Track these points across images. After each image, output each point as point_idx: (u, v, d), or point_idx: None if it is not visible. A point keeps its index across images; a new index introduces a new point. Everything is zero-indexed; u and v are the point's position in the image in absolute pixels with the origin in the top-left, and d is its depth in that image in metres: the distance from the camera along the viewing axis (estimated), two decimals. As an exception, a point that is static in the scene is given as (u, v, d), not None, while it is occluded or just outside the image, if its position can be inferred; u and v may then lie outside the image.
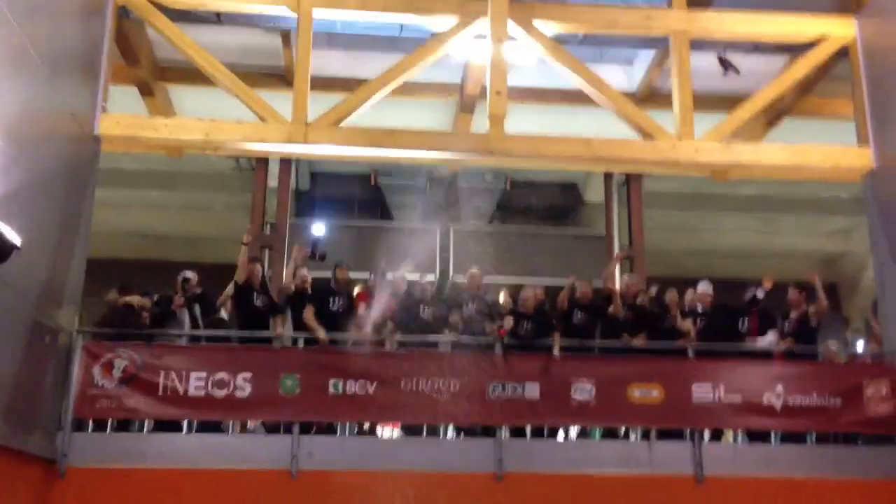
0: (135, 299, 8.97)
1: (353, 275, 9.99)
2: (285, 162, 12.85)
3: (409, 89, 11.05)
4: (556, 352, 8.88)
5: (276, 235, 12.52)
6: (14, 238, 6.57)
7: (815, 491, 8.49)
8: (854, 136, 10.37)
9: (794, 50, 10.89)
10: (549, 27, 10.29)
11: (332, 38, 11.78)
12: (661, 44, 10.83)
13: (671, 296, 9.72)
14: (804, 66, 10.48)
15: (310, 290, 9.48)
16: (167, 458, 8.20)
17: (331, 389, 8.59)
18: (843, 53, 10.54)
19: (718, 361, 9.22)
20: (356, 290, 9.87)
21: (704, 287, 9.97)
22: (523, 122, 10.60)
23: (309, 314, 9.09)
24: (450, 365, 8.84)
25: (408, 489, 8.14)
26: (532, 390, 8.77)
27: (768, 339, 9.58)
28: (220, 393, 8.45)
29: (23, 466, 7.47)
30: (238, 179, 14.11)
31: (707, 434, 8.99)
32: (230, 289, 9.41)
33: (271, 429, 8.88)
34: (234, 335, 9.33)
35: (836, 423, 8.99)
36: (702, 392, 8.90)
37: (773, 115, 11.55)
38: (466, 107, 11.90)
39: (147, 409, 8.39)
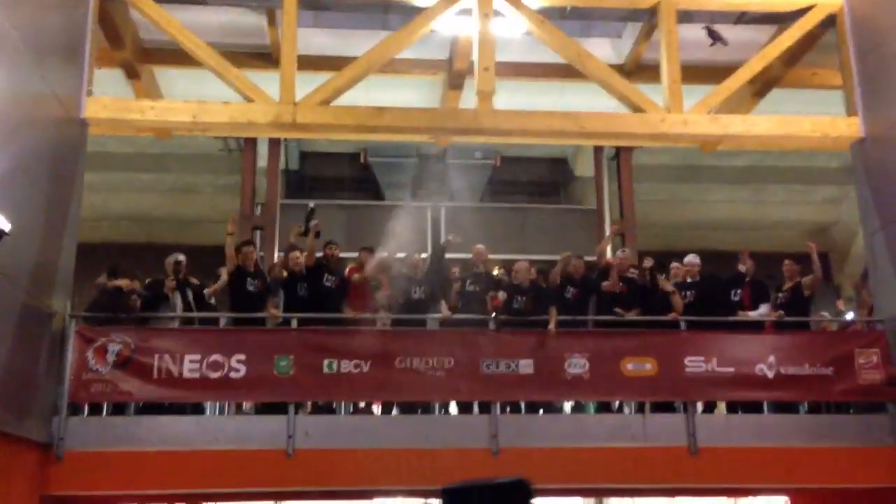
0: (124, 282, 8.93)
1: (343, 254, 10.00)
2: (274, 142, 12.81)
3: (396, 67, 11.01)
4: (552, 327, 8.90)
5: (266, 216, 12.49)
6: (3, 223, 6.55)
7: (808, 460, 8.57)
8: (842, 105, 10.37)
9: (781, 19, 10.86)
10: (536, 0, 10.24)
11: (318, 17, 11.70)
12: (648, 15, 10.77)
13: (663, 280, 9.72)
14: (792, 35, 10.46)
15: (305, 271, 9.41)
16: (163, 440, 8.22)
17: (325, 369, 8.61)
18: (831, 22, 10.51)
19: (711, 334, 9.25)
20: (348, 268, 9.88)
21: (691, 258, 9.99)
22: (512, 98, 10.56)
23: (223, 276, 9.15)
24: (444, 342, 8.87)
25: (404, 466, 8.20)
26: (526, 366, 8.80)
27: (760, 312, 9.62)
28: (215, 375, 8.46)
29: (20, 451, 7.49)
30: (226, 160, 14.06)
31: (700, 406, 9.05)
32: (224, 279, 9.31)
33: (260, 411, 8.89)
34: (227, 317, 9.31)
35: (828, 392, 9.06)
36: (695, 364, 8.95)
37: (762, 85, 11.53)
38: (454, 83, 11.85)
39: (142, 392, 8.39)
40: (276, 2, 10.32)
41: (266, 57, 11.39)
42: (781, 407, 9.17)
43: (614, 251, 11.18)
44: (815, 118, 10.21)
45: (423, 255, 10.30)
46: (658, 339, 9.17)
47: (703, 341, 9.12)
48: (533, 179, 15.49)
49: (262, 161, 12.88)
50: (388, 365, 8.67)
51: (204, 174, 14.80)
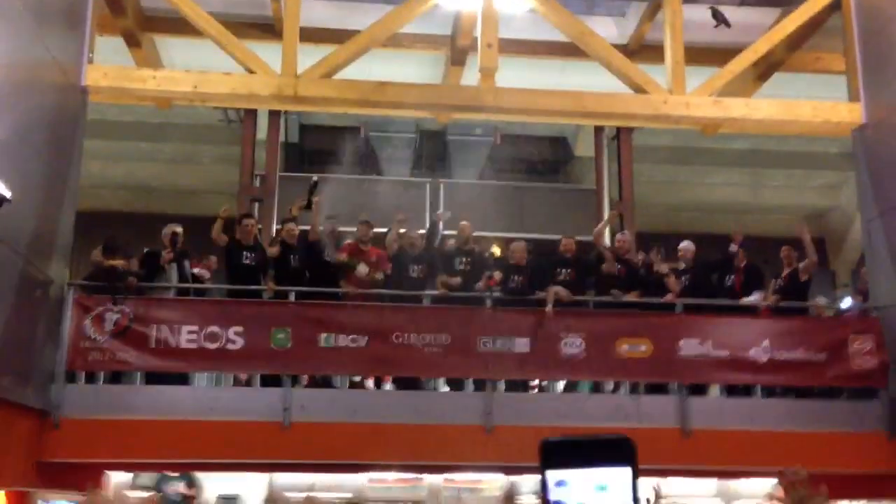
0: (120, 262, 8.81)
1: (342, 229, 10.00)
2: (274, 114, 12.75)
3: (399, 41, 10.95)
4: (549, 307, 8.92)
5: (265, 188, 12.47)
6: (4, 190, 6.52)
7: (800, 444, 8.59)
8: (845, 90, 10.35)
9: (785, 3, 10.81)
10: (541, -23, 10.18)
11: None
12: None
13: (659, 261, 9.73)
14: (796, 19, 10.41)
15: (296, 243, 9.40)
16: (160, 409, 8.25)
17: (322, 343, 8.64)
18: (836, 7, 10.46)
19: (706, 317, 9.30)
20: (345, 242, 9.88)
21: (686, 244, 10.00)
22: (514, 75, 10.52)
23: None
24: (440, 319, 8.89)
25: (398, 441, 8.25)
26: (522, 344, 8.84)
27: (754, 297, 9.65)
28: (212, 346, 8.48)
29: (17, 418, 7.51)
30: (226, 131, 14.01)
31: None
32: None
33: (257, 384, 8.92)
34: (222, 289, 9.32)
35: (821, 377, 9.11)
36: (689, 347, 8.99)
37: (764, 69, 11.50)
38: (457, 60, 11.80)
39: (139, 361, 8.42)
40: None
41: (268, 28, 11.32)
42: (774, 391, 9.22)
43: (613, 234, 11.19)
44: (817, 103, 10.19)
45: (421, 231, 10.30)
46: (654, 321, 9.20)
47: (698, 324, 9.16)
48: (533, 158, 15.45)
49: (262, 133, 12.83)
50: (385, 340, 8.70)
51: (203, 144, 14.76)
